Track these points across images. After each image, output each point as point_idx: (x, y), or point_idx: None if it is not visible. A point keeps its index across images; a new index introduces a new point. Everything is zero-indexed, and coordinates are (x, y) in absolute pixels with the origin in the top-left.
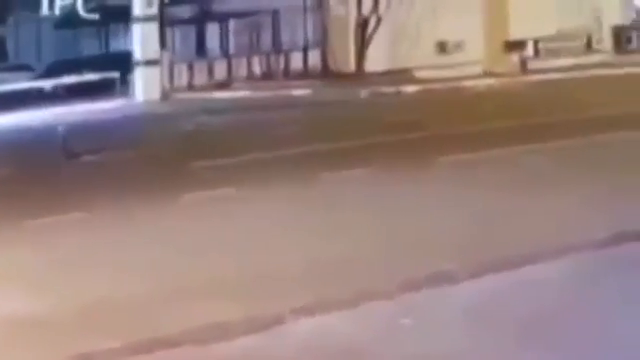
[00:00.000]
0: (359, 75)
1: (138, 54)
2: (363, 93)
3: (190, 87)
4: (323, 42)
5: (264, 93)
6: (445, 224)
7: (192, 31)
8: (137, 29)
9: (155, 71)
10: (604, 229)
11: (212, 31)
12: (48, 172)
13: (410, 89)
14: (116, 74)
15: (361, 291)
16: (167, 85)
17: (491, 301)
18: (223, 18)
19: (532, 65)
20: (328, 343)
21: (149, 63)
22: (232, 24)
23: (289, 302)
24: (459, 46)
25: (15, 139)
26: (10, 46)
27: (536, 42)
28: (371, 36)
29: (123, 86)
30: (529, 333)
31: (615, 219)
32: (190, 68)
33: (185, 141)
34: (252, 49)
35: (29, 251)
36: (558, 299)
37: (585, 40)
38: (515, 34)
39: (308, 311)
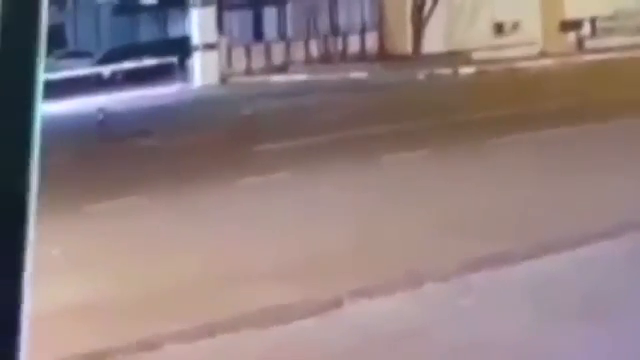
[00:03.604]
0: (416, 57)
1: (196, 39)
2: (420, 75)
3: (248, 71)
4: (380, 24)
5: (321, 76)
6: (503, 205)
7: (249, 15)
8: (195, 14)
9: (213, 55)
10: None
11: (269, 15)
12: (108, 157)
13: (467, 70)
14: (174, 59)
15: (419, 272)
16: (225, 69)
17: (549, 281)
18: (280, 1)
19: (589, 44)
20: (387, 326)
21: (207, 47)
22: (289, 7)
23: (347, 285)
24: (516, 27)
25: (75, 125)
26: (69, 33)
27: (593, 21)
28: (428, 18)
29: (181, 71)
30: (588, 312)
31: None
32: (248, 52)
33: (243, 125)
34: (309, 32)
35: (89, 236)
36: (616, 278)
37: None
38: (571, 13)
39: (366, 293)
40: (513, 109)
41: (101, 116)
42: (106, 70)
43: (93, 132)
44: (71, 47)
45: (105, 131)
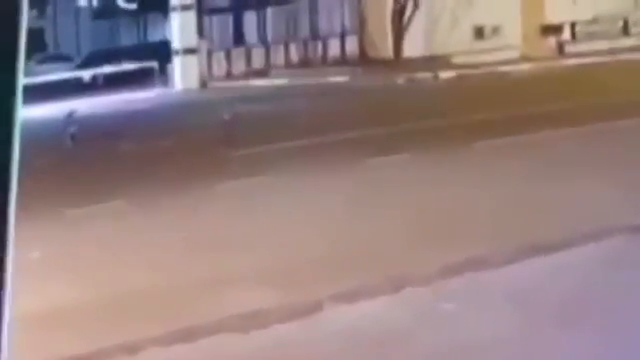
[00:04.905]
0: (396, 61)
1: (176, 43)
2: (400, 79)
3: (228, 75)
4: (360, 29)
5: (302, 80)
6: (484, 208)
7: (230, 19)
8: (175, 18)
9: (193, 60)
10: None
11: (250, 19)
12: (87, 161)
13: (447, 75)
14: (154, 63)
15: (400, 276)
16: (205, 74)
17: (531, 285)
18: (260, 6)
19: (569, 49)
20: (368, 330)
21: (187, 52)
22: (269, 12)
23: (327, 289)
24: (496, 31)
25: (54, 129)
26: (49, 37)
27: (573, 25)
28: (408, 22)
29: (161, 75)
30: (569, 316)
31: None
32: (228, 56)
33: (223, 129)
34: (289, 36)
35: (69, 240)
36: (597, 282)
37: (622, 23)
38: (552, 18)
39: (347, 298)
40: (493, 113)
41: (70, 122)
42: (86, 74)
43: (67, 137)
44: (51, 51)
45: (75, 136)
